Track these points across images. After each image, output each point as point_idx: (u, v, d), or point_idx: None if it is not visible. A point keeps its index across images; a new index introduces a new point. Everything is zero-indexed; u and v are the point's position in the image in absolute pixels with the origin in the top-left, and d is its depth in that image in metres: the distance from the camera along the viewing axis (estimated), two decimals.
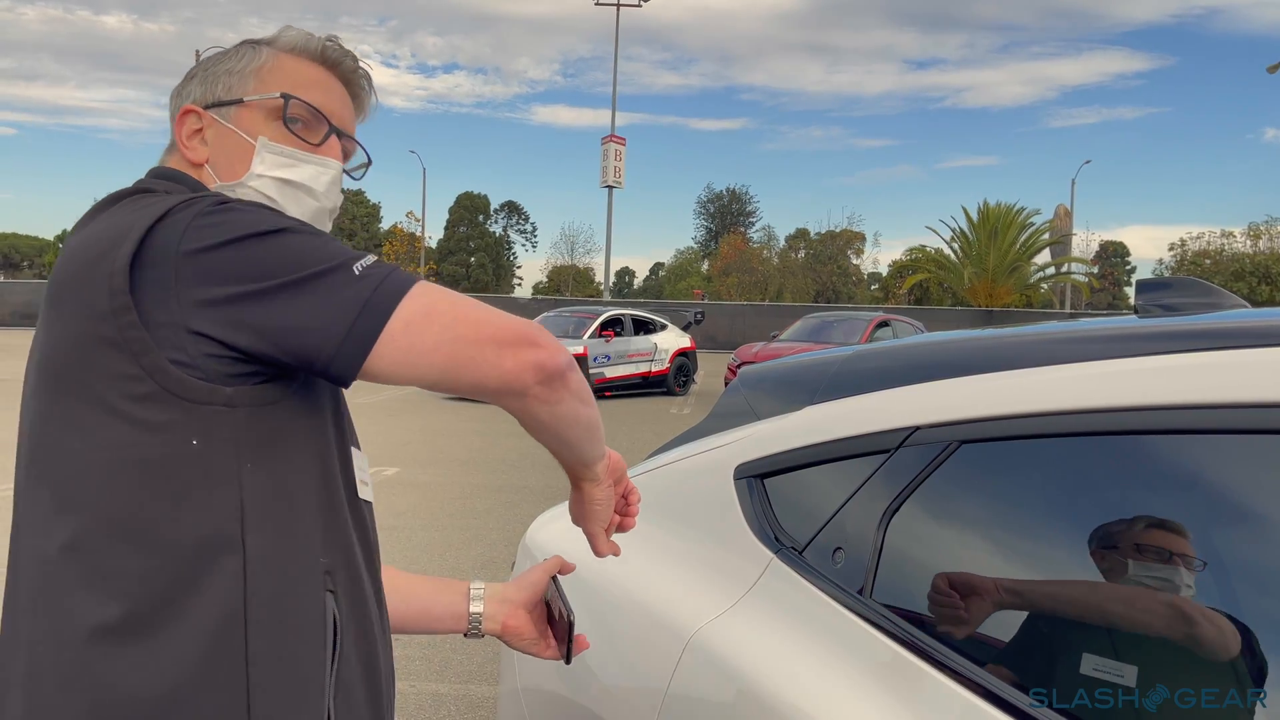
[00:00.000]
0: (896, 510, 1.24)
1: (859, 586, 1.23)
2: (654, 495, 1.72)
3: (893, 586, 1.22)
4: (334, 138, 1.11)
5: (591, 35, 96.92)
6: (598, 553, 1.16)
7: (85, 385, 0.89)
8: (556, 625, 1.25)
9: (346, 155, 1.15)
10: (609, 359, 15.54)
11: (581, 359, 14.87)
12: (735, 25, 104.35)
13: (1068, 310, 40.19)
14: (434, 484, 7.78)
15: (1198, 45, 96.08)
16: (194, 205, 0.91)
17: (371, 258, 0.92)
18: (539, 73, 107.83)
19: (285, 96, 1.07)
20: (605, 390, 15.51)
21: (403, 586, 1.26)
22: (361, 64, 1.16)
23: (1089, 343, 1.21)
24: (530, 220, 79.16)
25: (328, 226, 1.12)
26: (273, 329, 0.88)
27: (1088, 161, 51.34)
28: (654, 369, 16.29)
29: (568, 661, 1.23)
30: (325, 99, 1.11)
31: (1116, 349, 1.15)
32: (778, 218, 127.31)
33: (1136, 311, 1.45)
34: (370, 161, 1.20)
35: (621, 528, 1.18)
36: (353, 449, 1.05)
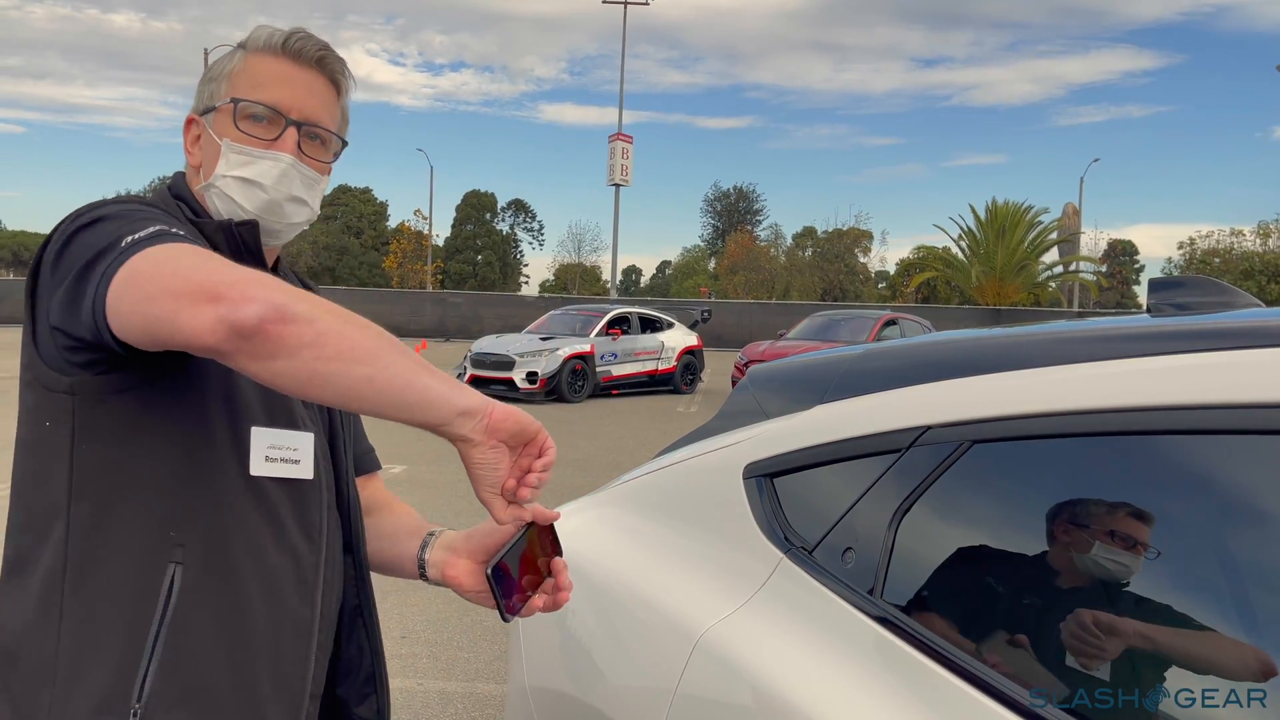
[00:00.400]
0: (907, 510, 1.23)
1: (869, 587, 1.22)
2: (662, 494, 1.72)
3: (903, 587, 1.21)
4: (290, 130, 1.17)
5: (598, 33, 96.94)
6: (496, 520, 1.04)
7: (19, 379, 1.09)
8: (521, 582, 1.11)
9: (323, 142, 1.21)
10: (615, 357, 15.54)
11: (588, 357, 14.87)
12: (741, 23, 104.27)
13: (1076, 309, 40.08)
14: (440, 482, 7.79)
15: (1207, 43, 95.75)
16: (76, 211, 1.04)
17: (150, 229, 0.97)
18: (546, 71, 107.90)
19: (234, 100, 1.16)
20: (612, 388, 15.50)
21: (391, 531, 1.32)
22: (327, 49, 1.20)
23: (1102, 342, 1.20)
24: (537, 218, 79.20)
25: (290, 215, 1.19)
26: (71, 314, 0.99)
27: (1096, 160, 51.15)
28: (660, 367, 16.28)
29: (504, 619, 1.10)
30: (285, 93, 1.17)
31: (1130, 348, 1.14)
32: (785, 216, 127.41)
33: (1149, 310, 1.44)
34: (344, 143, 1.26)
35: (517, 496, 1.01)
36: (260, 429, 1.09)
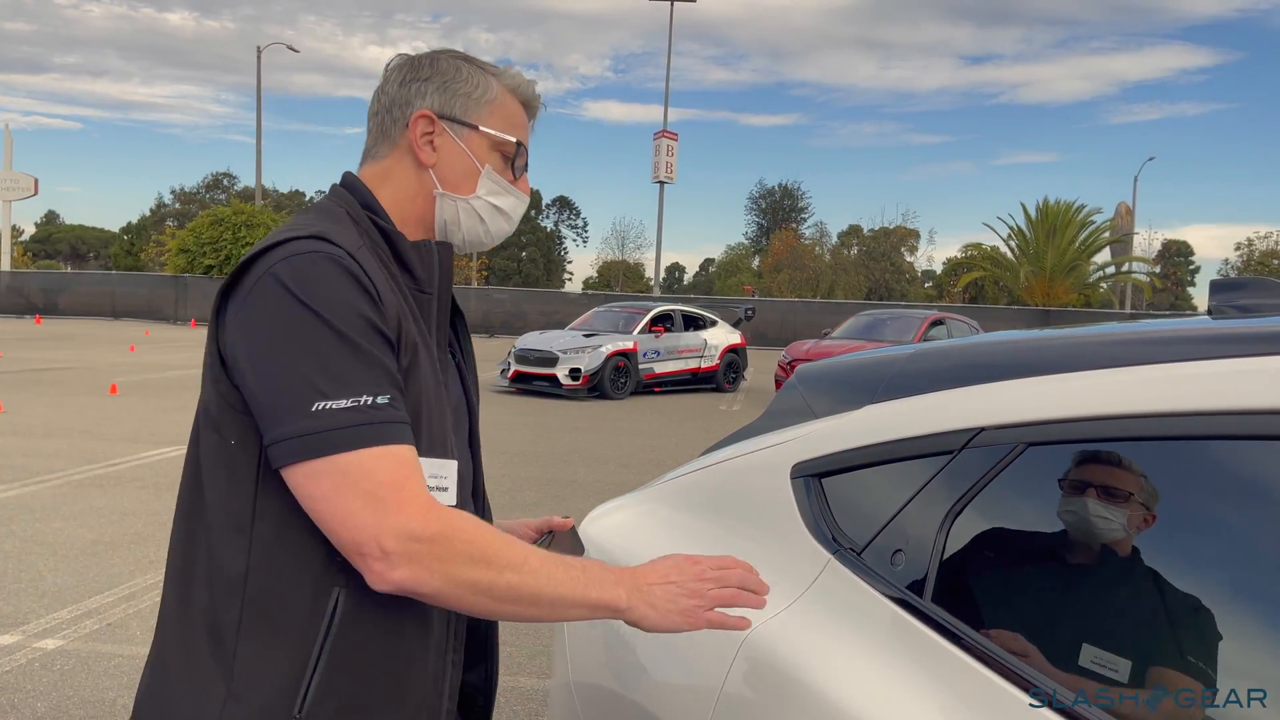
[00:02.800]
0: (959, 513, 1.21)
1: (919, 589, 1.21)
2: (709, 493, 1.71)
3: (953, 591, 1.19)
4: (525, 174, 1.34)
5: (642, 31, 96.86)
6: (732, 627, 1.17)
7: (205, 375, 1.16)
8: None
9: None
10: (658, 355, 15.53)
11: (631, 354, 14.88)
12: (786, 20, 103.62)
13: (1128, 310, 39.27)
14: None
15: (1263, 40, 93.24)
16: (285, 248, 1.09)
17: (344, 402, 1.04)
18: (590, 69, 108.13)
19: (519, 144, 1.30)
20: (654, 386, 15.50)
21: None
22: (544, 106, 1.37)
23: (1162, 344, 1.17)
24: (581, 215, 79.40)
25: (489, 243, 1.34)
26: (254, 411, 1.07)
27: (1152, 158, 50.21)
28: (703, 365, 16.24)
29: None
30: (526, 138, 1.33)
31: (1191, 351, 1.11)
32: (830, 214, 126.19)
33: (1210, 312, 1.41)
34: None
35: (735, 602, 1.17)
36: (422, 459, 1.12)
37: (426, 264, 1.22)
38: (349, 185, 1.25)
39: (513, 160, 1.30)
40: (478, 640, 1.37)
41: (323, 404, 1.02)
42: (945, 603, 1.18)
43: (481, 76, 1.28)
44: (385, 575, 1.02)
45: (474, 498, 1.32)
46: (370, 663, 1.12)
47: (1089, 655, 1.05)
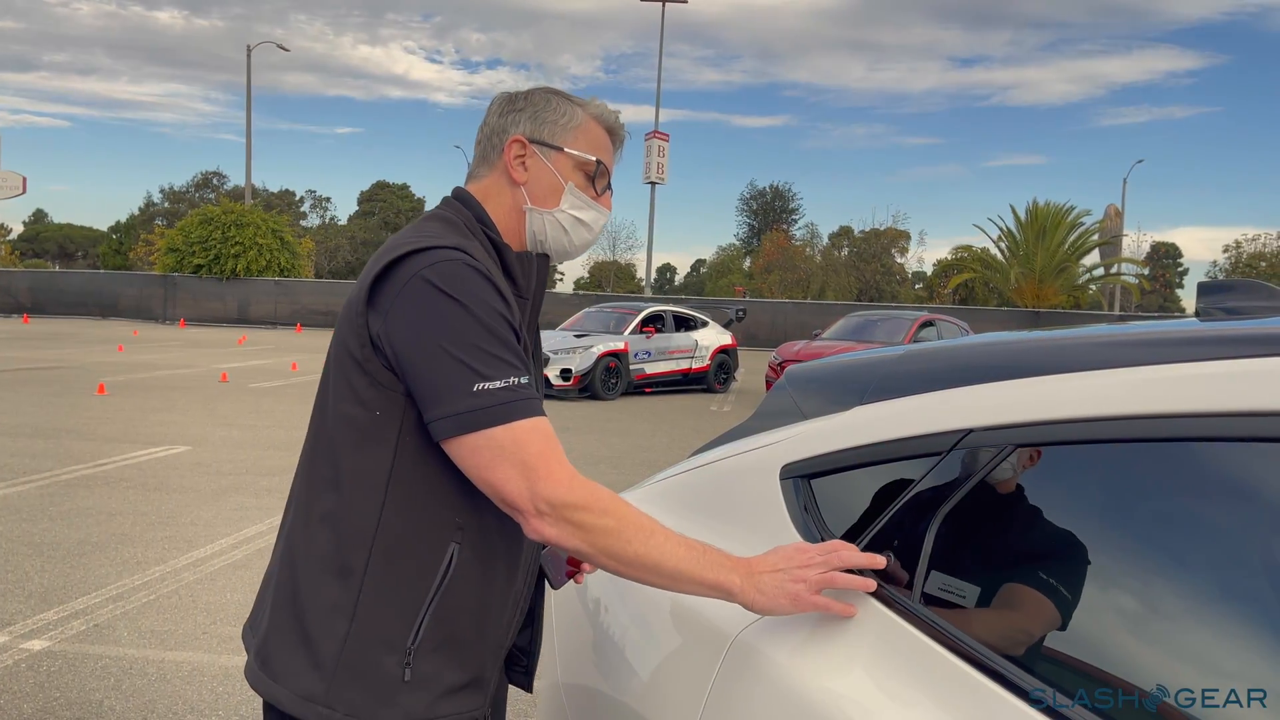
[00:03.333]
0: (949, 514, 1.21)
1: (908, 591, 1.21)
2: (698, 493, 1.71)
3: (942, 592, 1.19)
4: (608, 192, 1.51)
5: (633, 32, 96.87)
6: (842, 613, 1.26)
7: (345, 355, 1.32)
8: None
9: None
10: (649, 355, 15.53)
11: (622, 355, 14.87)
12: (777, 22, 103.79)
13: (1117, 312, 39.41)
14: None
15: (1251, 44, 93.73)
16: (430, 255, 1.26)
17: (499, 382, 1.23)
18: (581, 69, 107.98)
19: (599, 162, 1.47)
20: (645, 387, 15.50)
21: None
22: (627, 135, 1.55)
23: (1150, 346, 1.18)
24: None
25: (585, 250, 1.53)
26: (412, 391, 1.26)
27: (1140, 161, 50.32)
28: (694, 366, 16.25)
29: (554, 587, 1.52)
30: (608, 161, 1.50)
31: (1178, 353, 1.11)
32: (821, 215, 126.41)
33: (1198, 314, 1.41)
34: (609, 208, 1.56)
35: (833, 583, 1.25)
36: None
37: (526, 272, 1.43)
38: (463, 200, 1.43)
39: (593, 178, 1.47)
40: (528, 608, 1.51)
41: (483, 385, 1.22)
42: (934, 603, 1.18)
43: (569, 106, 1.47)
44: (540, 530, 1.23)
45: None
46: (469, 606, 1.33)
47: (1076, 655, 1.05)
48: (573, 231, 1.47)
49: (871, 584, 1.24)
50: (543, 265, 1.47)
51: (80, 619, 4.35)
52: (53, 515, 6.14)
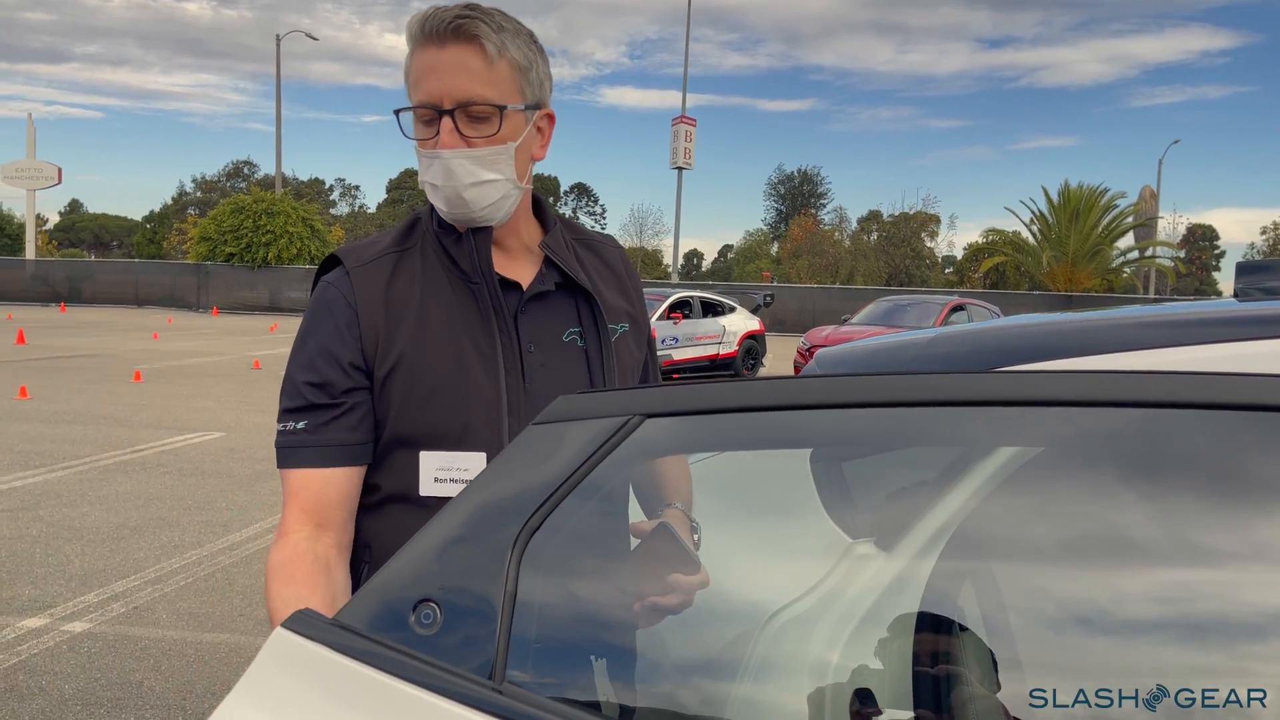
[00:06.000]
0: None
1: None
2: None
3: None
4: (445, 121, 1.20)
5: (658, 16, 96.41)
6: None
7: None
8: None
9: (484, 118, 1.21)
10: (677, 341, 15.52)
11: (650, 340, 14.83)
12: (802, 5, 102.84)
13: (1152, 295, 38.85)
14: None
15: None
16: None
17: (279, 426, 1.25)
18: (606, 55, 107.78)
19: (397, 112, 1.24)
20: (673, 373, 15.49)
21: None
22: (463, 14, 1.19)
23: (1186, 327, 1.16)
24: (599, 202, 79.36)
25: (477, 201, 1.24)
26: None
27: (1176, 141, 49.48)
28: (722, 351, 16.22)
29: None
30: (434, 84, 1.19)
31: (1217, 333, 1.10)
32: (850, 199, 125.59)
33: (1236, 295, 1.39)
34: (538, 105, 1.28)
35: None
36: (427, 453, 1.25)
37: (467, 255, 1.28)
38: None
39: (424, 123, 1.23)
40: None
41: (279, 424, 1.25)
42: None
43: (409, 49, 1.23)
44: None
45: None
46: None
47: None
48: (436, 199, 1.27)
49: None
50: (481, 241, 1.28)
51: (120, 601, 4.43)
52: (92, 500, 6.26)
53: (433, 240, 1.31)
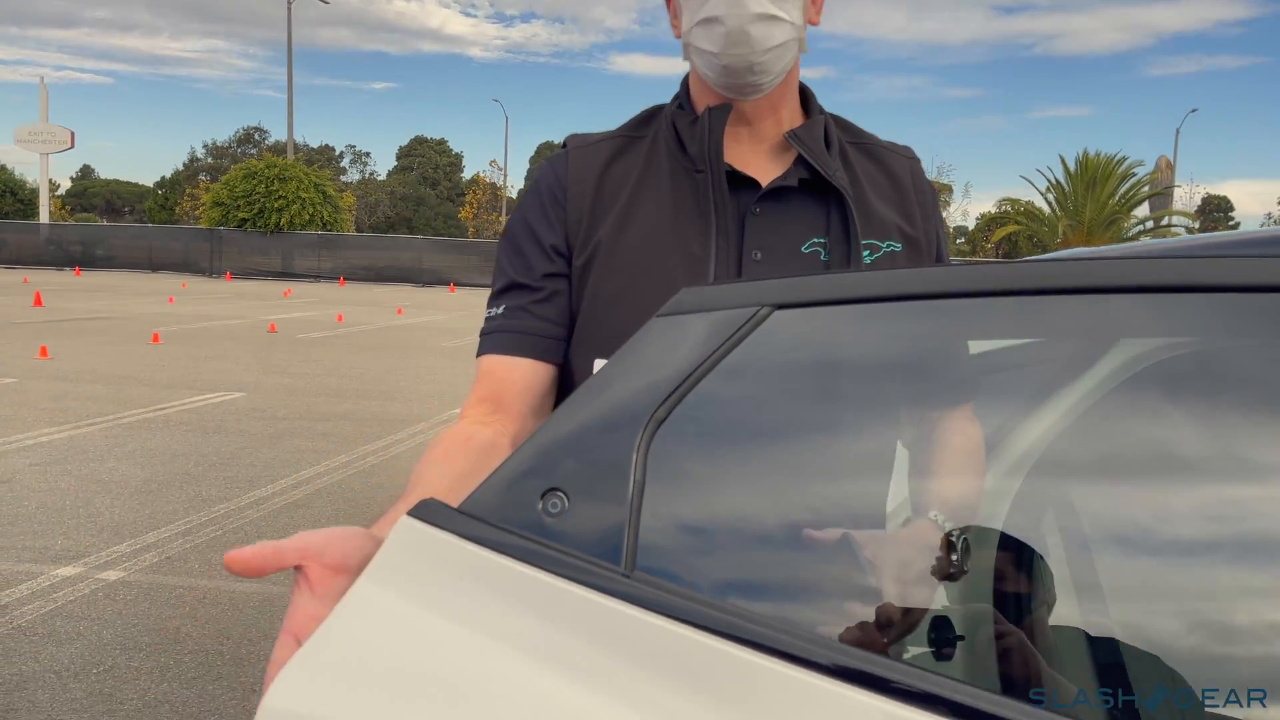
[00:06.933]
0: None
1: None
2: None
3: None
4: None
5: None
6: None
7: None
8: None
9: None
10: None
11: None
12: None
13: None
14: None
15: None
16: None
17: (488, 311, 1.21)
18: (616, 22, 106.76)
19: None
20: None
21: None
22: None
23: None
24: None
25: (762, 39, 1.09)
26: None
27: (1194, 110, 48.91)
28: None
29: None
30: None
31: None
32: None
33: None
34: None
35: None
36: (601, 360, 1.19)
37: (698, 140, 1.13)
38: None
39: None
40: None
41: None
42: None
43: None
44: None
45: None
46: None
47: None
48: (708, 43, 1.10)
49: None
50: (715, 122, 1.12)
51: (152, 551, 4.47)
52: (118, 455, 6.29)
53: (667, 123, 1.18)
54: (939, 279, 0.74)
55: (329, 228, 35.46)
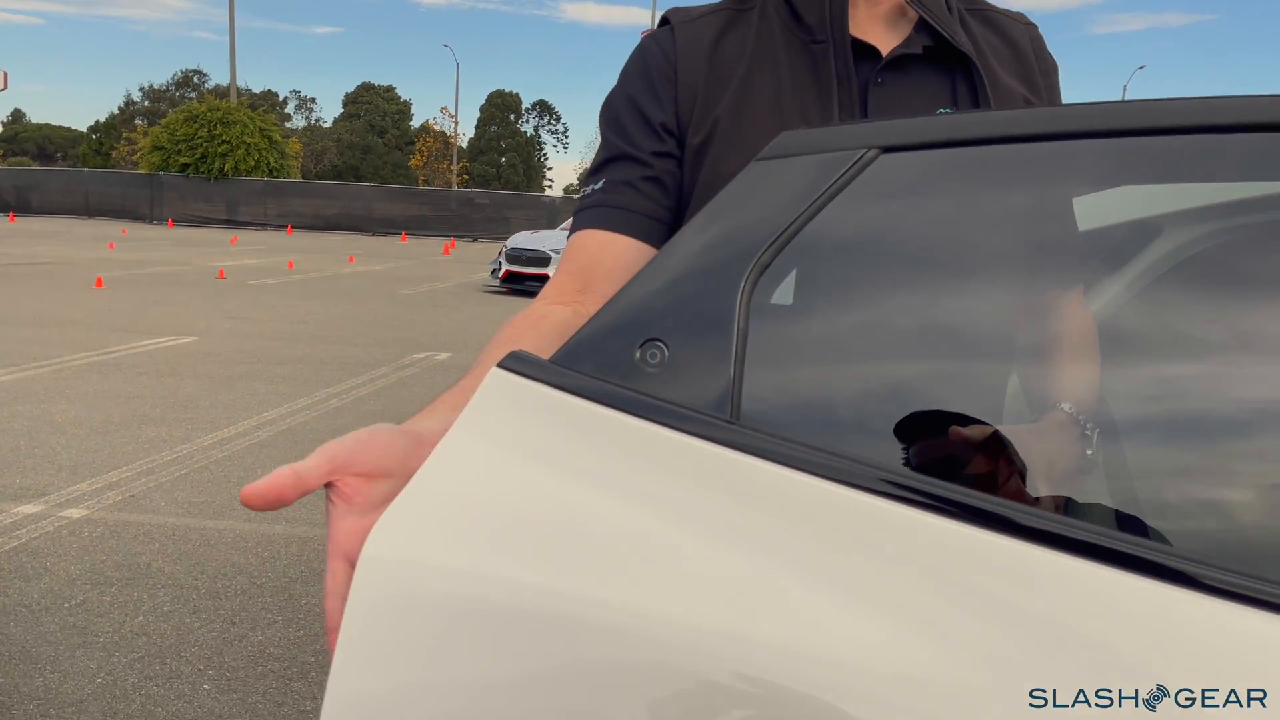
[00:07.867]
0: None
1: None
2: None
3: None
4: None
5: None
6: None
7: None
8: None
9: None
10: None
11: None
12: None
13: None
14: None
15: None
16: None
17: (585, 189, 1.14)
18: None
19: None
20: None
21: None
22: None
23: None
24: (562, 120, 78.14)
25: None
26: None
27: (1141, 67, 49.64)
28: None
29: None
30: None
31: None
32: None
33: None
34: None
35: None
36: None
37: (818, 8, 1.06)
38: None
39: None
40: None
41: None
42: None
43: None
44: None
45: None
46: None
47: None
48: None
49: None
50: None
51: (115, 490, 4.36)
52: (70, 397, 6.11)
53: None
54: (1062, 118, 0.71)
55: (275, 175, 34.61)
